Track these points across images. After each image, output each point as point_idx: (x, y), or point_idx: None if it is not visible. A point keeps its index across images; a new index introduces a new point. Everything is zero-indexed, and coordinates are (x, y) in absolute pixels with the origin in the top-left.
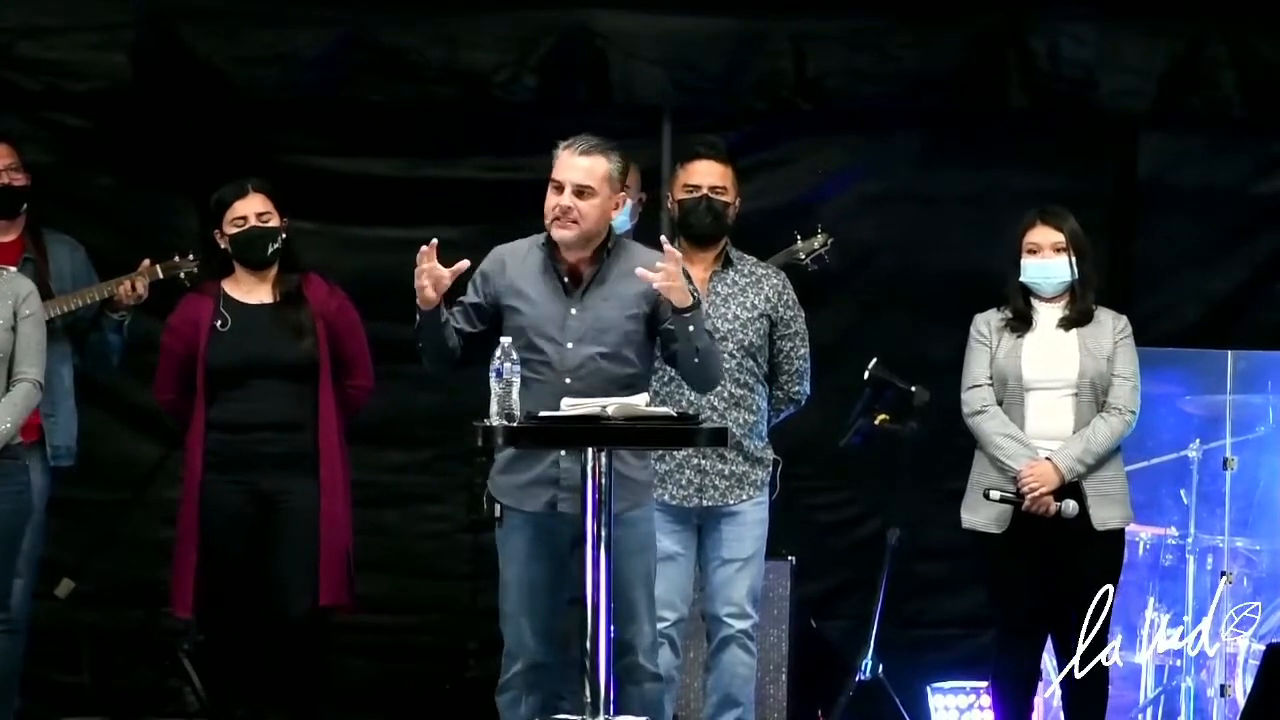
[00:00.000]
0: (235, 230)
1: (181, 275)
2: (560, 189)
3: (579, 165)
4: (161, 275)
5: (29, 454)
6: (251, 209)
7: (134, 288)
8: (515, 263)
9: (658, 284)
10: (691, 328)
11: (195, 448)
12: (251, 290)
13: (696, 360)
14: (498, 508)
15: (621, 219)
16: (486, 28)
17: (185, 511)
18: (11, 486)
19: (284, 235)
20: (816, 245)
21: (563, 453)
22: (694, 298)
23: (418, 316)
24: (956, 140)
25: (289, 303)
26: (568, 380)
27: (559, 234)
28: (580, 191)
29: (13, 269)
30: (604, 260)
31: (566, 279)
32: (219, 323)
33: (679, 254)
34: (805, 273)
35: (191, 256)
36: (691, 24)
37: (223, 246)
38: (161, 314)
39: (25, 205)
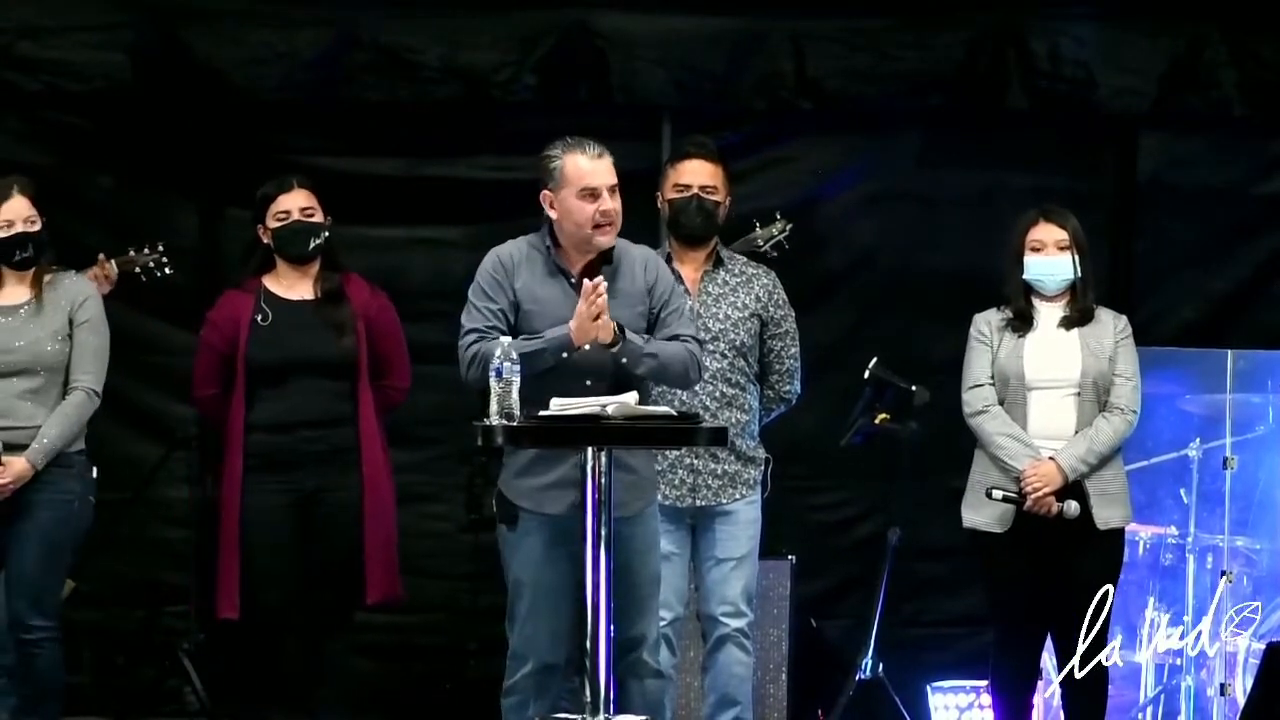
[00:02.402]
0: (278, 224)
1: (137, 269)
2: (597, 195)
3: (606, 167)
4: (117, 269)
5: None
6: (295, 204)
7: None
8: (521, 265)
9: (574, 326)
10: (625, 360)
11: (235, 449)
12: (293, 286)
13: (647, 379)
14: (513, 510)
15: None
16: (486, 28)
17: (226, 514)
18: (59, 495)
19: (327, 232)
20: (775, 232)
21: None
22: (615, 333)
23: (545, 346)
24: (956, 140)
25: (330, 300)
26: (589, 382)
27: (605, 240)
28: (613, 190)
29: (74, 272)
30: (613, 259)
31: (574, 280)
32: (260, 317)
33: (599, 286)
34: (788, 268)
35: (147, 250)
36: (691, 24)
37: (265, 241)
38: (146, 308)
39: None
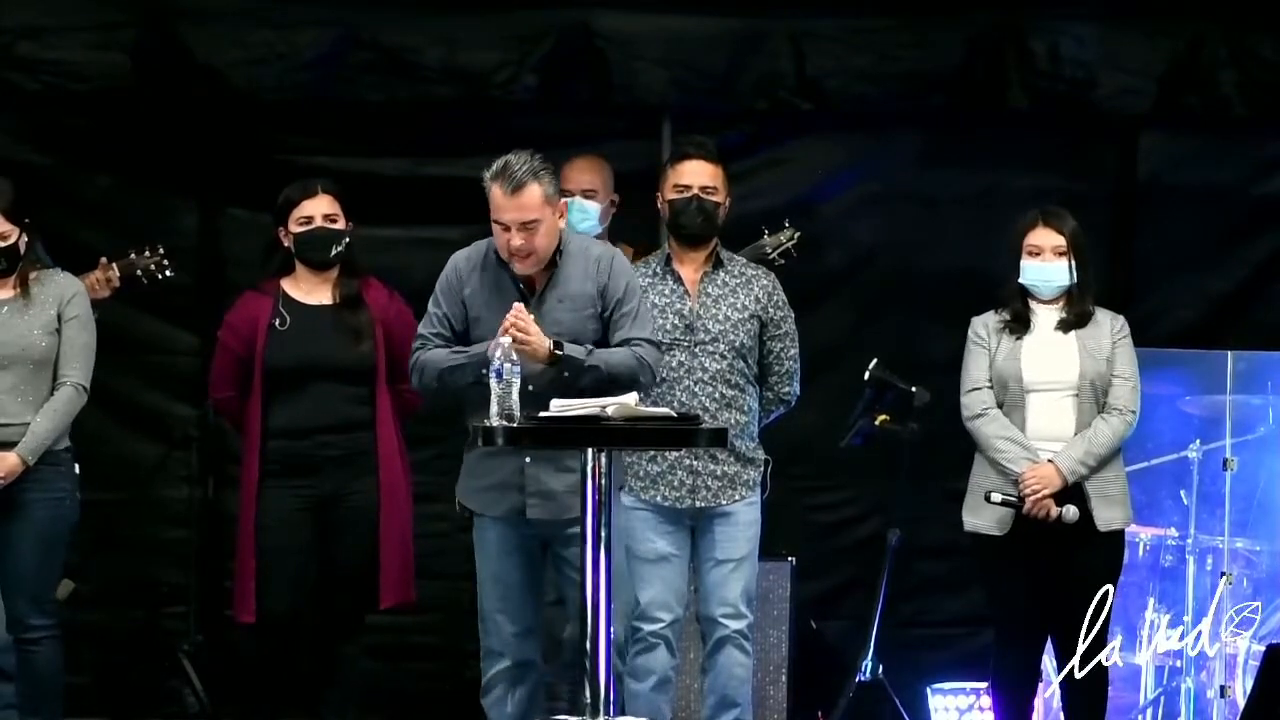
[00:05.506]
0: (300, 229)
1: (139, 272)
2: (507, 229)
3: (517, 204)
4: (119, 274)
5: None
6: (319, 209)
7: (95, 286)
8: (473, 272)
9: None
10: (566, 374)
11: (252, 453)
12: (312, 291)
13: (595, 390)
14: (464, 509)
15: (590, 223)
16: (486, 28)
17: (243, 518)
18: (52, 493)
19: (348, 239)
20: (783, 240)
21: (527, 459)
22: (551, 350)
23: (467, 362)
24: (956, 140)
25: (348, 305)
26: (530, 387)
27: (521, 269)
28: (525, 226)
29: (59, 270)
30: (557, 264)
31: (522, 285)
32: (277, 321)
33: (524, 312)
34: (789, 270)
35: (148, 253)
36: (691, 24)
37: (286, 245)
38: (146, 308)
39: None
